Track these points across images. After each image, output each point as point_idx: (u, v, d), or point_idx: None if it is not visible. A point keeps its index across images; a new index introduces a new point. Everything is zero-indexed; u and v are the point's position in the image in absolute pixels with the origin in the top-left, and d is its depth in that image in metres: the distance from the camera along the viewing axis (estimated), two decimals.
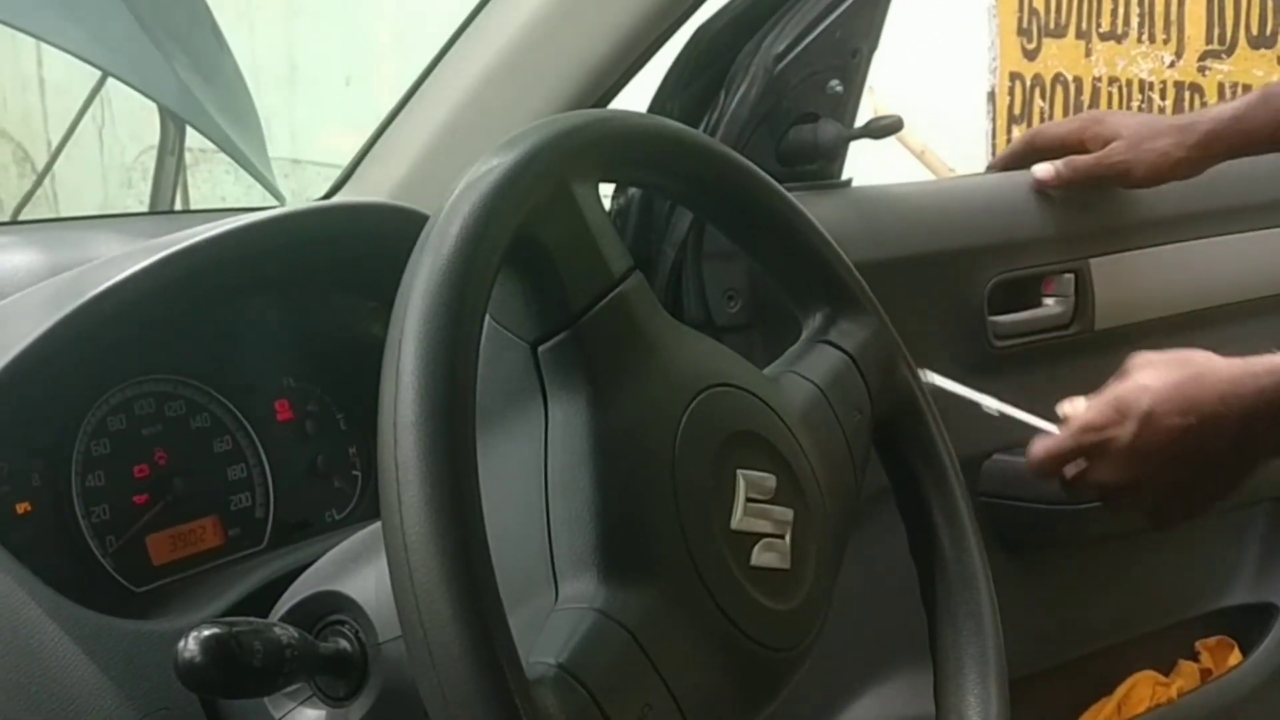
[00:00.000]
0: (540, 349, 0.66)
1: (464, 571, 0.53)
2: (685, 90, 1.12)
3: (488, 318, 0.64)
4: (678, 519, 0.65)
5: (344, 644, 0.69)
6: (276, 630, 0.63)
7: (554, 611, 0.60)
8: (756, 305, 1.16)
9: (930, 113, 2.97)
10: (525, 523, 0.64)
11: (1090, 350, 1.36)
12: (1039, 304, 1.34)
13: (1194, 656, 1.57)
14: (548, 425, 0.65)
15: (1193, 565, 1.53)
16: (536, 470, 0.64)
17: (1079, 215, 1.36)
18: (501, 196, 0.61)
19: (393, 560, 0.54)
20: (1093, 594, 1.47)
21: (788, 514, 0.71)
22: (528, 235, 0.63)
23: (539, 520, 0.64)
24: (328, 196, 1.15)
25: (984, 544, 1.34)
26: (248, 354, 0.92)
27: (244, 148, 1.66)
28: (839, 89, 1.15)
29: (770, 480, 0.70)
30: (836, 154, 1.18)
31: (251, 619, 0.63)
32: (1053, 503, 1.29)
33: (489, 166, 0.62)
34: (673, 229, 1.09)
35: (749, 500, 0.69)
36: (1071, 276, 1.34)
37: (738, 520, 0.68)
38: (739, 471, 0.69)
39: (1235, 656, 1.55)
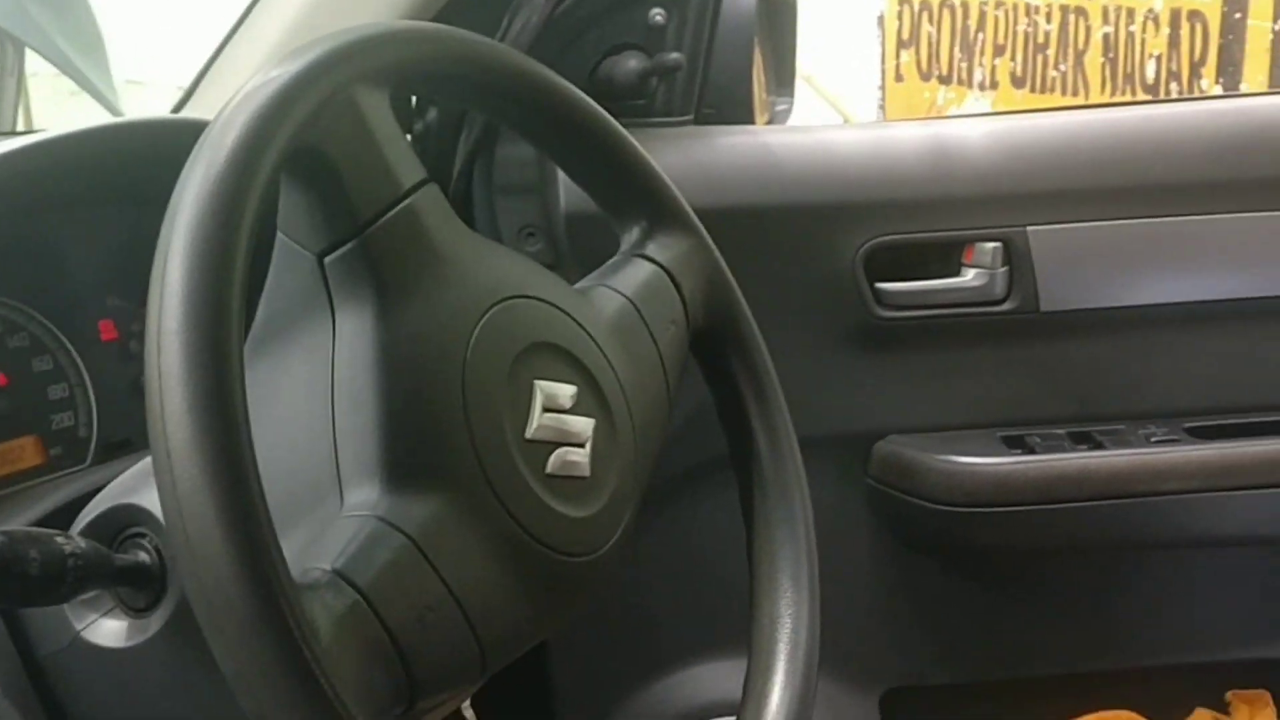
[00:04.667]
0: (326, 260, 0.70)
1: (226, 476, 0.56)
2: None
3: (279, 232, 0.70)
4: (467, 428, 0.69)
5: (143, 556, 0.72)
6: (59, 540, 0.67)
7: (336, 520, 0.60)
8: (557, 245, 1.19)
9: (818, 38, 2.97)
10: (312, 434, 0.68)
11: (1031, 334, 1.32)
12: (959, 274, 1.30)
13: (1223, 707, 1.50)
14: (335, 337, 0.70)
15: (1235, 604, 1.46)
16: (324, 382, 0.69)
17: (1015, 176, 1.31)
18: (278, 105, 0.64)
19: (157, 467, 0.58)
20: (1060, 611, 1.42)
21: (588, 423, 0.76)
22: (309, 145, 0.67)
23: (325, 431, 0.68)
24: None
25: (877, 533, 1.35)
26: (69, 273, 0.97)
27: (85, 68, 1.63)
28: (660, 20, 1.18)
29: (570, 390, 0.75)
30: (638, 90, 1.21)
31: (34, 529, 0.67)
32: (945, 503, 1.28)
33: (270, 77, 0.66)
34: (459, 158, 1.14)
35: (546, 410, 0.73)
36: (999, 246, 1.29)
37: (534, 430, 0.72)
38: (536, 382, 0.74)
39: (1269, 716, 1.48)
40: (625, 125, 0.87)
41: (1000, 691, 1.42)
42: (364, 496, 0.65)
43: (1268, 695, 1.48)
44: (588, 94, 0.84)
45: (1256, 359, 1.38)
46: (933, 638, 1.39)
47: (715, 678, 1.30)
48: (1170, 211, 1.31)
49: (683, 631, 1.34)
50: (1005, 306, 1.29)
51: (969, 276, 1.28)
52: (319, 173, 0.67)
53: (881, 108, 3.23)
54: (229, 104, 0.63)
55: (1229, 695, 1.49)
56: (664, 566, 1.31)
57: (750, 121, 1.32)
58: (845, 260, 1.26)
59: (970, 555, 1.37)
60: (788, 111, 1.52)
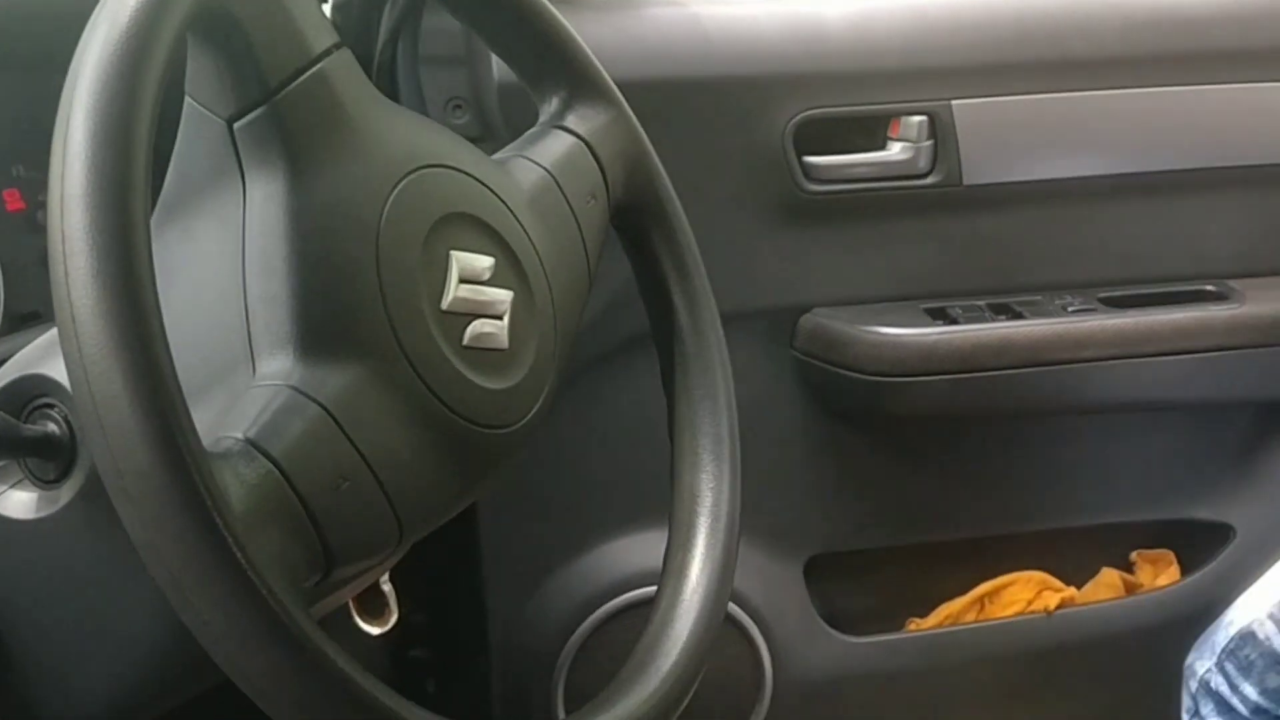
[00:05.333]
0: (236, 126, 0.68)
1: (134, 341, 0.55)
2: None
3: (186, 96, 0.68)
4: (381, 298, 0.68)
5: (52, 427, 0.71)
6: None
7: (248, 389, 0.60)
8: (486, 117, 1.17)
9: None
10: (224, 303, 0.67)
11: (954, 207, 1.33)
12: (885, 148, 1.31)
13: (1129, 567, 1.56)
14: (245, 204, 0.69)
15: (1144, 467, 1.50)
16: (234, 250, 0.68)
17: (941, 50, 1.31)
18: None
19: (63, 334, 0.57)
20: (977, 477, 1.46)
21: (506, 295, 0.76)
22: (216, 6, 0.65)
23: (237, 300, 0.67)
24: None
25: (803, 403, 1.37)
26: None
27: None
28: None
29: (487, 261, 0.75)
30: None
31: None
32: (871, 373, 1.30)
33: None
34: (383, 27, 1.12)
35: (462, 281, 0.73)
36: (924, 120, 1.29)
37: (449, 301, 0.72)
38: (452, 252, 0.73)
39: (1172, 574, 1.54)
40: None
41: (916, 556, 1.46)
42: (277, 366, 0.65)
43: (1171, 555, 1.54)
44: None
45: (1169, 231, 1.40)
46: (855, 505, 1.42)
47: (643, 549, 1.32)
48: (1090, 86, 1.33)
49: (610, 504, 1.36)
50: (930, 180, 1.30)
51: (895, 150, 1.29)
52: (226, 35, 0.65)
53: None
54: None
55: (1134, 555, 1.55)
56: (591, 440, 1.33)
57: None
58: (774, 134, 1.26)
59: (893, 424, 1.40)
60: None
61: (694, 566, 0.83)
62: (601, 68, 0.88)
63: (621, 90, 0.89)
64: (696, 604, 0.82)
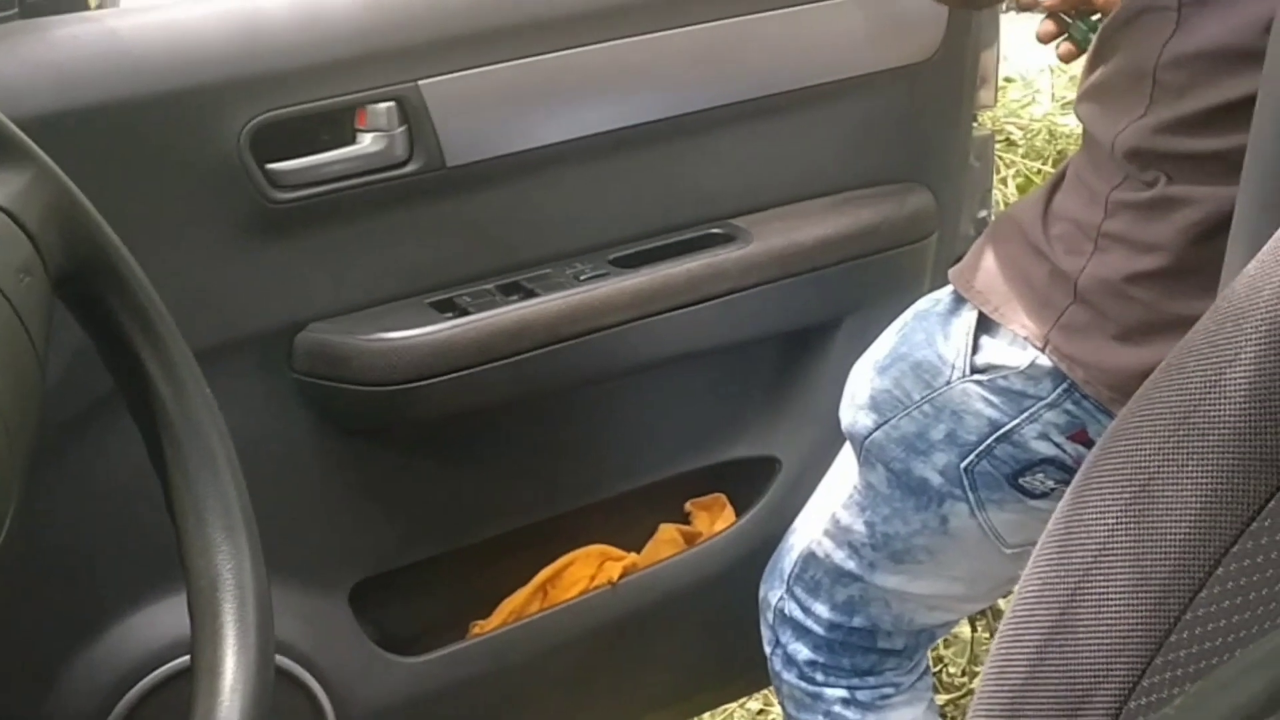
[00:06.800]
0: None
1: None
2: None
3: None
4: None
5: None
6: None
7: None
8: None
9: None
10: None
11: (442, 192, 1.26)
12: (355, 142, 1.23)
13: (686, 518, 1.55)
14: None
15: (685, 418, 1.48)
16: None
17: (396, 30, 1.23)
18: None
19: None
20: (517, 465, 1.41)
21: None
22: None
23: None
24: None
25: (315, 427, 1.28)
26: None
27: None
28: None
29: None
30: None
31: None
32: (383, 383, 1.23)
33: None
34: None
35: None
36: (393, 105, 1.21)
37: None
38: None
39: (728, 517, 1.53)
40: None
41: (472, 558, 1.41)
42: None
43: (723, 498, 1.55)
44: None
45: (670, 181, 1.39)
46: (393, 521, 1.35)
47: (166, 616, 1.20)
48: (561, 46, 1.27)
49: (123, 575, 1.23)
50: (410, 168, 1.23)
51: (366, 142, 1.21)
52: None
53: None
54: None
55: (688, 506, 1.55)
56: (85, 513, 1.19)
57: (84, 7, 1.17)
58: (228, 146, 1.15)
59: (417, 430, 1.33)
60: None
61: (228, 663, 0.75)
62: (8, 123, 0.75)
63: (39, 130, 0.78)
64: (238, 707, 0.74)
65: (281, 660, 1.26)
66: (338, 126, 1.21)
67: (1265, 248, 0.61)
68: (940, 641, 1.89)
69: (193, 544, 0.78)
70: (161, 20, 1.16)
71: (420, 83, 1.21)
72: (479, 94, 1.24)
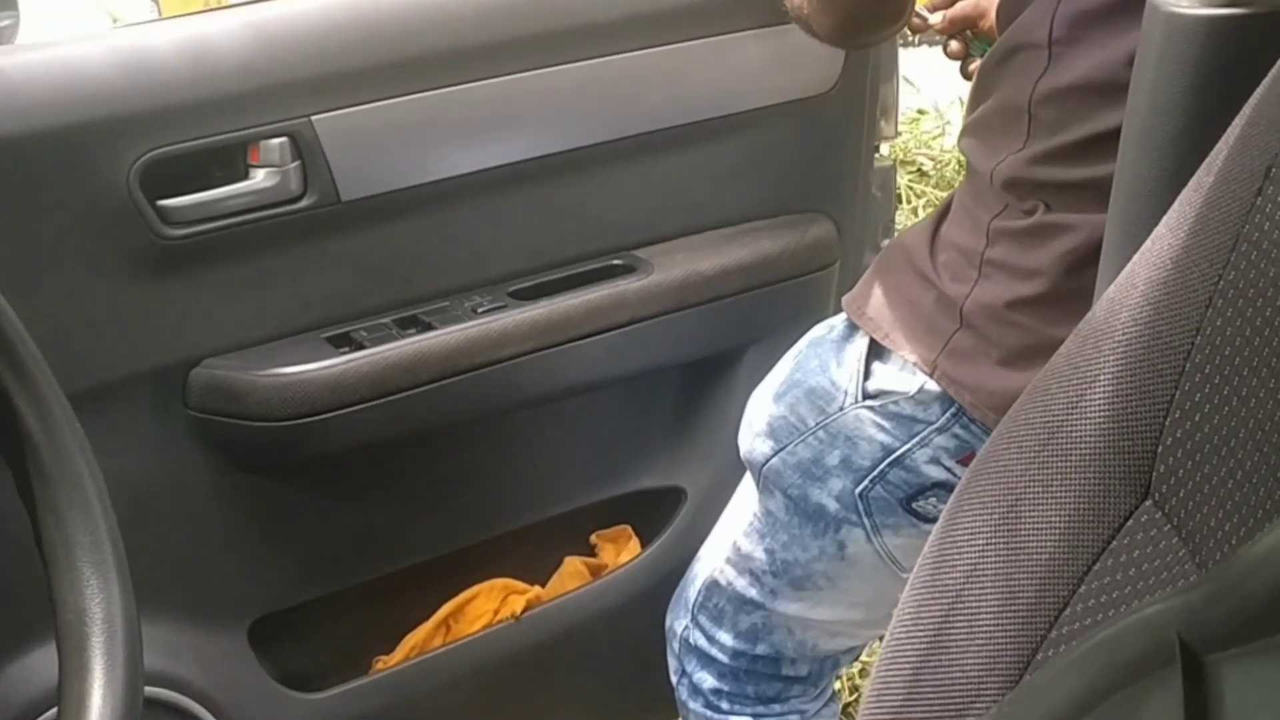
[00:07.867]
0: None
1: None
2: None
3: None
4: None
5: None
6: None
7: None
8: None
9: None
10: None
11: (337, 226, 1.26)
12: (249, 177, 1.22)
13: (592, 550, 1.55)
14: None
15: (590, 449, 1.49)
16: None
17: (289, 65, 1.22)
18: None
19: None
20: (419, 499, 1.40)
21: None
22: None
23: None
24: None
25: (210, 464, 1.26)
26: None
27: None
28: None
29: None
30: None
31: None
32: (278, 419, 1.22)
33: None
34: None
35: None
36: (286, 140, 1.21)
37: None
38: None
39: (633, 549, 1.54)
40: None
41: (375, 592, 1.40)
42: None
43: (628, 529, 1.55)
44: None
45: (570, 213, 1.39)
46: (293, 557, 1.33)
47: (44, 661, 1.18)
48: (456, 80, 1.27)
49: None
50: (305, 203, 1.22)
51: (259, 178, 1.20)
52: None
53: (155, 4, 2.85)
54: None
55: (593, 538, 1.55)
56: None
57: None
58: (117, 182, 1.14)
59: (315, 465, 1.32)
60: (13, 28, 1.34)
61: (95, 697, 0.74)
62: None
63: None
64: None
65: (179, 698, 1.24)
66: (230, 162, 1.20)
67: (1123, 272, 0.63)
68: (856, 671, 1.90)
69: (62, 579, 0.78)
70: (48, 57, 1.15)
71: (313, 118, 1.21)
72: (373, 128, 1.24)
